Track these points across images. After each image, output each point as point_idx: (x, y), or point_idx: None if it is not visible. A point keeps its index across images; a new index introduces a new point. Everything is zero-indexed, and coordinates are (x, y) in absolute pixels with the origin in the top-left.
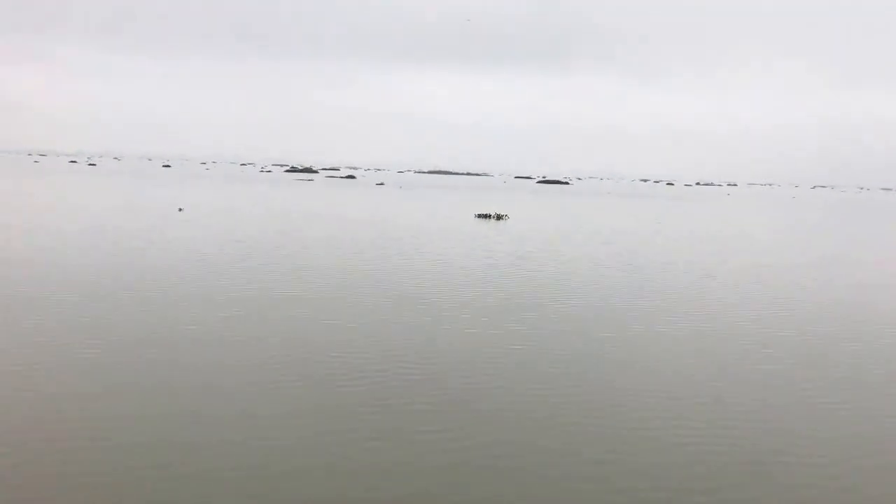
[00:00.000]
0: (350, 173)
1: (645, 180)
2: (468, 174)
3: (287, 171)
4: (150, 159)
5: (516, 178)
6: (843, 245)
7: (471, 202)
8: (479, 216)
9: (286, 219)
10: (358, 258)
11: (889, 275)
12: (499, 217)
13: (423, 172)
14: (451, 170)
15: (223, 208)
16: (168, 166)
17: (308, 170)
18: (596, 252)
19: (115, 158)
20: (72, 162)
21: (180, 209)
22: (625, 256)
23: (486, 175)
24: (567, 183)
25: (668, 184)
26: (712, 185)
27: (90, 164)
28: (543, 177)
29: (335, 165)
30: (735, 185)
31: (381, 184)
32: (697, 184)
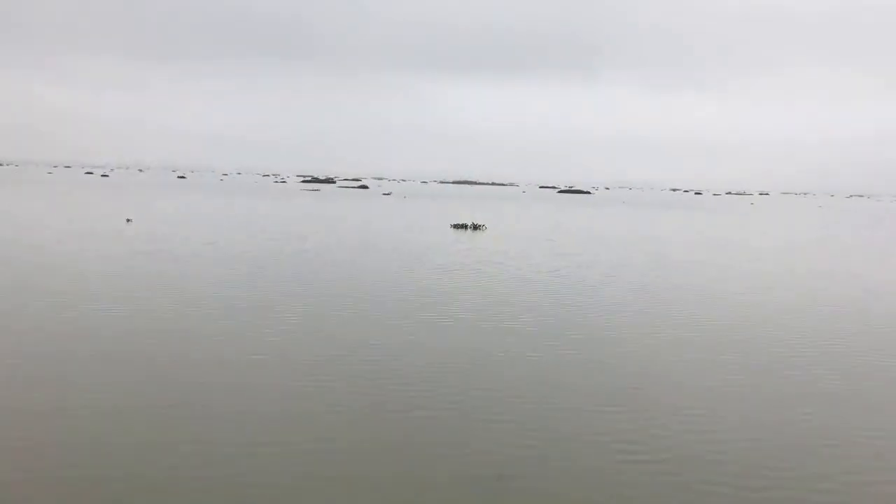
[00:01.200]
0: (364, 183)
1: (675, 190)
2: (493, 184)
3: (304, 181)
4: (173, 171)
5: (540, 187)
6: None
7: (463, 212)
8: (456, 226)
9: (220, 230)
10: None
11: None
12: (475, 227)
13: (448, 182)
14: (476, 180)
15: (176, 218)
16: (183, 177)
17: (326, 180)
18: (556, 266)
19: (140, 170)
20: (88, 173)
21: (128, 220)
22: (567, 271)
23: (511, 185)
24: (588, 193)
25: (696, 193)
26: (744, 194)
27: (103, 176)
28: (570, 186)
29: (361, 176)
30: (767, 194)
31: (388, 193)
32: (728, 193)
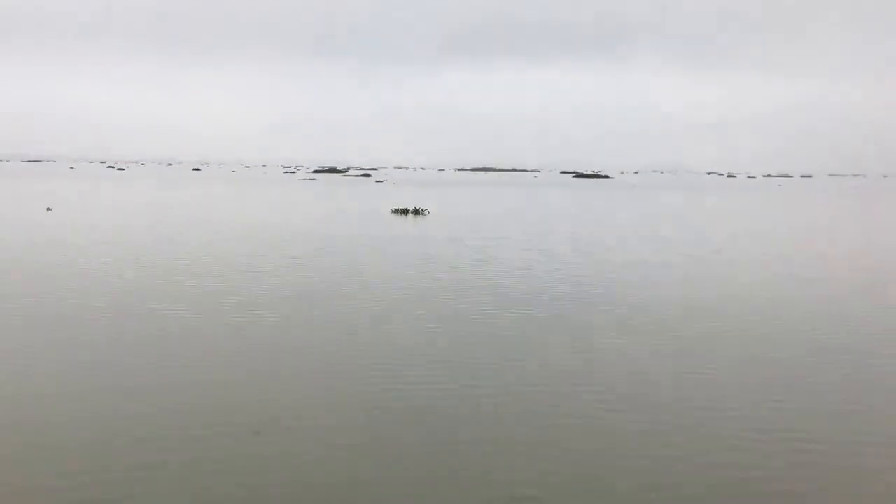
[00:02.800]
0: (367, 172)
1: (710, 173)
2: (514, 170)
3: (315, 171)
4: (200, 165)
5: (561, 172)
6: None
7: (434, 197)
8: (396, 211)
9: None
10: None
11: None
12: (417, 212)
13: (465, 170)
14: (496, 166)
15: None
16: (198, 170)
17: (335, 170)
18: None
19: (169, 164)
20: (109, 167)
21: (48, 209)
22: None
23: (533, 171)
24: (607, 177)
25: (728, 175)
26: (787, 176)
27: (119, 169)
28: (597, 171)
29: (383, 165)
30: (810, 176)
31: (382, 181)
32: (769, 175)
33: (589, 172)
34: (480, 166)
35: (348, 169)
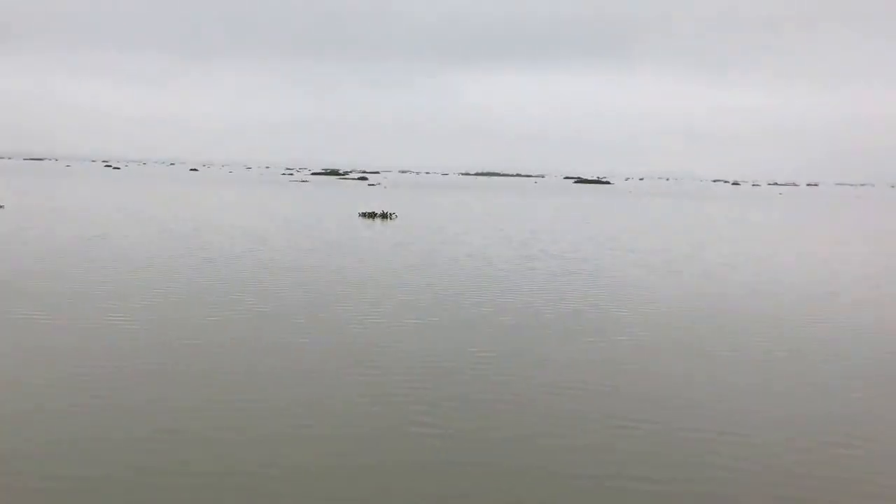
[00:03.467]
0: (363, 175)
1: (716, 181)
2: (518, 175)
3: (313, 173)
4: (201, 165)
5: (565, 178)
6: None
7: (417, 201)
8: (364, 214)
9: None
10: None
11: None
12: (385, 216)
13: (469, 174)
14: (501, 171)
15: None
16: (195, 170)
17: (333, 173)
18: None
19: (171, 164)
20: (107, 166)
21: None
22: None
23: (538, 176)
24: (608, 183)
25: (733, 183)
26: (793, 185)
27: (115, 168)
28: (600, 177)
29: (387, 169)
30: (816, 184)
31: (375, 184)
32: (775, 184)
33: (591, 178)
34: (485, 171)
35: (349, 172)
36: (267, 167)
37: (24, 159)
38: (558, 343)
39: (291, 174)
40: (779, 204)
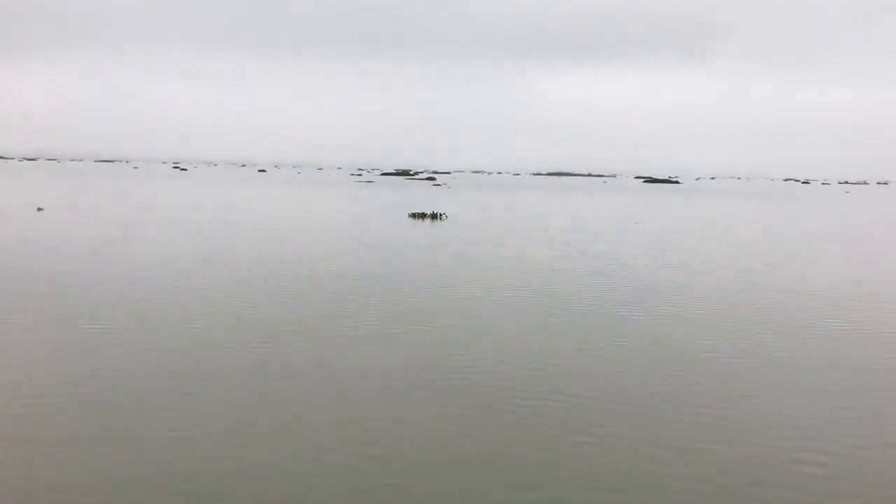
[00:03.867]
0: (431, 175)
1: (787, 179)
2: (588, 175)
3: (382, 174)
4: (274, 166)
5: (636, 178)
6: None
7: (476, 202)
8: (413, 215)
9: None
10: None
11: None
12: (434, 217)
13: (541, 174)
14: (573, 171)
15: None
16: (263, 171)
17: (404, 173)
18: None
19: (243, 165)
20: (175, 168)
21: (39, 209)
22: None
23: (610, 176)
24: (677, 182)
25: (804, 182)
26: (863, 183)
27: (182, 170)
28: (671, 177)
29: (460, 169)
30: (886, 183)
31: (440, 184)
32: (846, 182)
33: (661, 178)
34: (556, 171)
35: (418, 173)
36: (339, 168)
37: (95, 161)
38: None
39: (360, 175)
40: (842, 203)
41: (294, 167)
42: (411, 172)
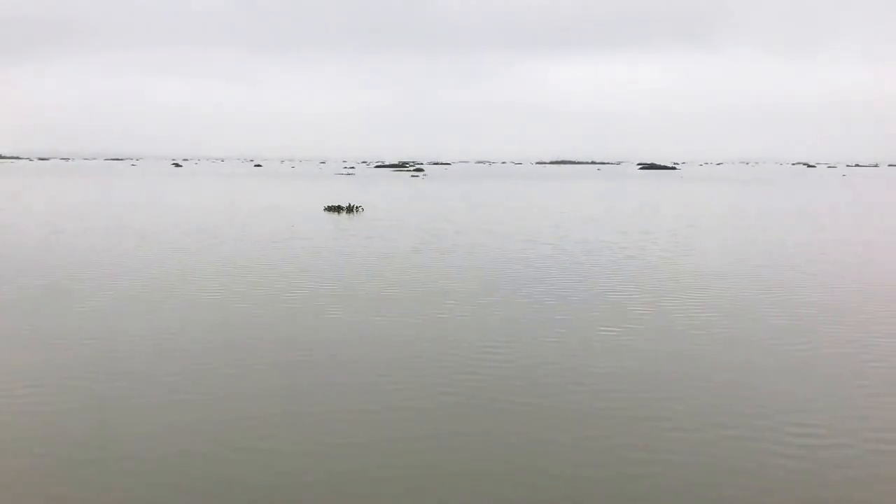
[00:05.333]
0: (419, 167)
1: (795, 164)
2: (593, 162)
3: (376, 166)
4: (282, 161)
5: (638, 164)
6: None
7: (427, 192)
8: (329, 208)
9: None
10: None
11: None
12: (351, 209)
13: (545, 163)
14: (576, 159)
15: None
16: (259, 166)
17: (394, 165)
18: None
19: (251, 160)
20: (174, 164)
21: None
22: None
23: (609, 164)
24: (674, 168)
25: (808, 166)
26: (874, 165)
27: (177, 166)
28: (675, 163)
29: (466, 160)
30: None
31: (416, 175)
32: (857, 165)
33: (658, 164)
34: (560, 159)
35: (415, 164)
36: (344, 161)
37: (106, 160)
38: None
39: (351, 168)
40: (819, 187)
41: (301, 161)
42: (409, 164)
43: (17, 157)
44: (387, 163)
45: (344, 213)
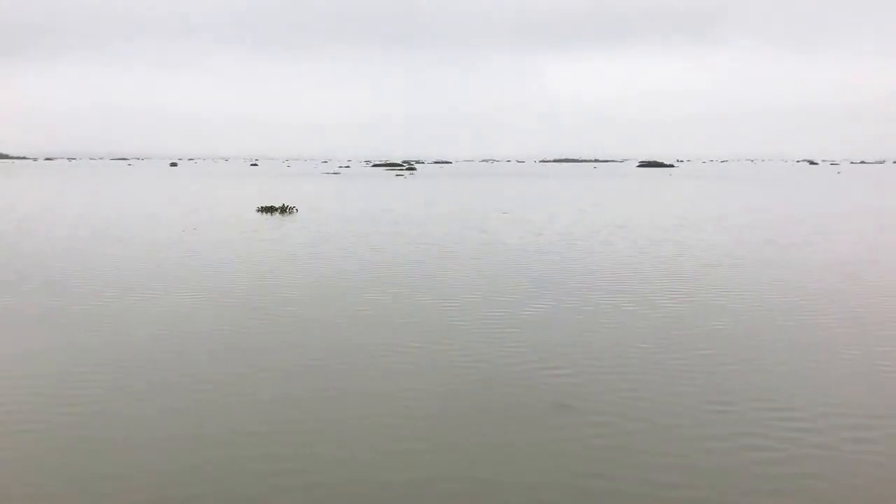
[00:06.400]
0: (411, 166)
1: (799, 161)
2: (596, 160)
3: (373, 165)
4: (286, 160)
5: (641, 162)
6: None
7: (422, 190)
8: (262, 209)
9: None
10: None
11: None
12: (284, 210)
13: (547, 161)
14: (581, 157)
15: None
16: (255, 164)
17: (391, 164)
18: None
19: (255, 161)
20: (171, 164)
21: None
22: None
23: (616, 161)
24: (671, 166)
25: (810, 163)
26: (880, 162)
27: (173, 165)
28: (676, 161)
29: (471, 159)
30: None
31: (401, 175)
32: (862, 162)
33: (657, 163)
34: (563, 157)
35: (402, 163)
36: (349, 160)
37: (112, 159)
38: None
39: (348, 167)
40: (806, 185)
41: (307, 160)
42: (404, 164)
43: (24, 158)
44: (385, 162)
45: (277, 214)
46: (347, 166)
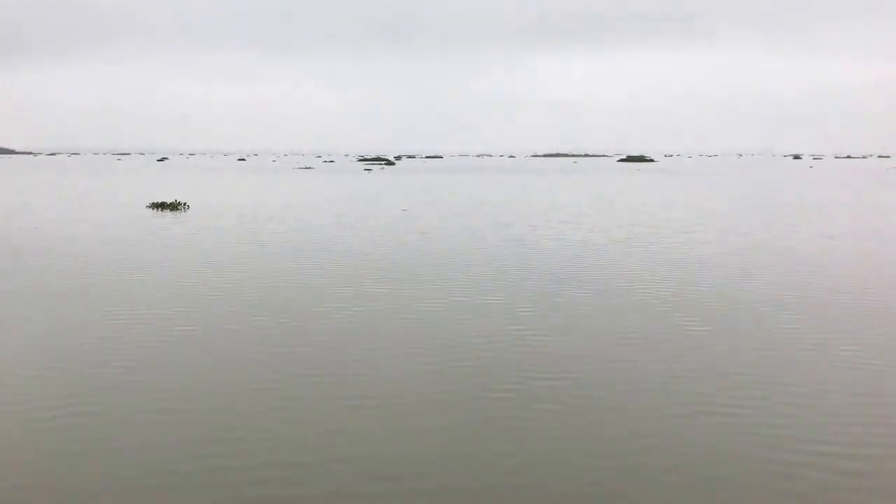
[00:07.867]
0: (389, 161)
1: (786, 156)
2: (586, 155)
3: (358, 160)
4: (285, 154)
5: (620, 159)
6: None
7: (340, 185)
8: (154, 205)
9: None
10: None
11: None
12: (175, 206)
13: (538, 156)
14: (570, 152)
15: None
16: (243, 160)
17: (378, 159)
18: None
19: (255, 154)
20: (160, 160)
21: None
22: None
23: (606, 156)
24: (652, 161)
25: (794, 157)
26: (865, 157)
27: (160, 160)
28: (672, 154)
29: (466, 153)
30: (888, 156)
31: (369, 169)
32: (849, 157)
33: (637, 157)
34: (554, 152)
35: (380, 159)
36: (346, 155)
37: (114, 154)
38: None
39: (333, 161)
40: (767, 180)
41: (303, 155)
42: (379, 158)
43: (29, 153)
44: (373, 157)
45: (167, 211)
46: (331, 161)
